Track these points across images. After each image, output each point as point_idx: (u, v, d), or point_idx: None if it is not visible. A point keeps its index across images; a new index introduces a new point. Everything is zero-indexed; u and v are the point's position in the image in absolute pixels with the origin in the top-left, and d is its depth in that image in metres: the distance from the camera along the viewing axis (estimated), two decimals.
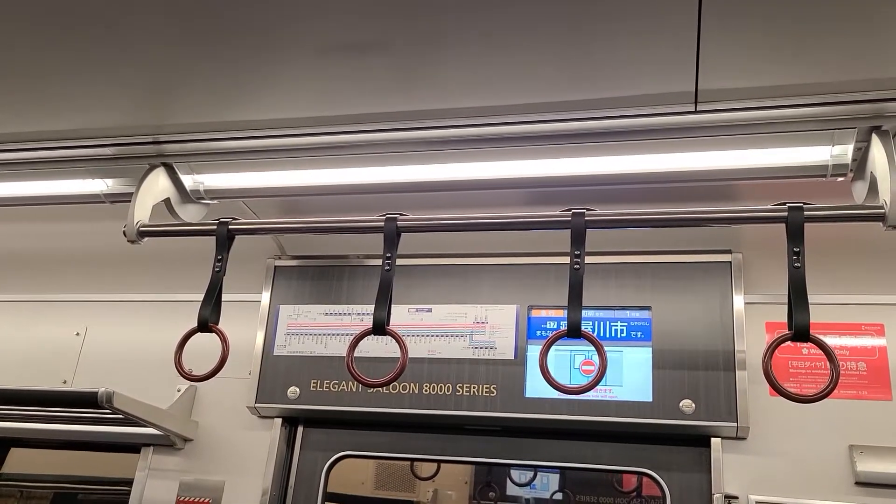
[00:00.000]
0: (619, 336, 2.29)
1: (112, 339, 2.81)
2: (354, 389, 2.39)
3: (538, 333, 2.34)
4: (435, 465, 3.62)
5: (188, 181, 2.12)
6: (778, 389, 1.57)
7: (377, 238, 1.84)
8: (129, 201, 1.99)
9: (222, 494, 2.47)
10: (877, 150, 1.60)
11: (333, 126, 1.82)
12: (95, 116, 1.91)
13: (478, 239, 2.31)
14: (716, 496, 2.10)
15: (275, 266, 2.62)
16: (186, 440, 2.57)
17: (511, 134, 1.76)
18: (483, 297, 2.41)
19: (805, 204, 1.62)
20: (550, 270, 2.36)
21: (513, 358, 2.32)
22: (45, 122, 1.94)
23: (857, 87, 1.54)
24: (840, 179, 1.78)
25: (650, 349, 2.24)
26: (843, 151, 1.72)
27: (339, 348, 2.44)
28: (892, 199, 1.54)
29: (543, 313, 2.36)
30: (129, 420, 2.30)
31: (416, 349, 2.38)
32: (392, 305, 1.82)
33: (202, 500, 2.47)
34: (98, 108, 1.87)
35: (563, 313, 1.68)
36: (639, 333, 2.28)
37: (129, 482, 2.59)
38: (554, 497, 3.82)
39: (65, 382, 2.78)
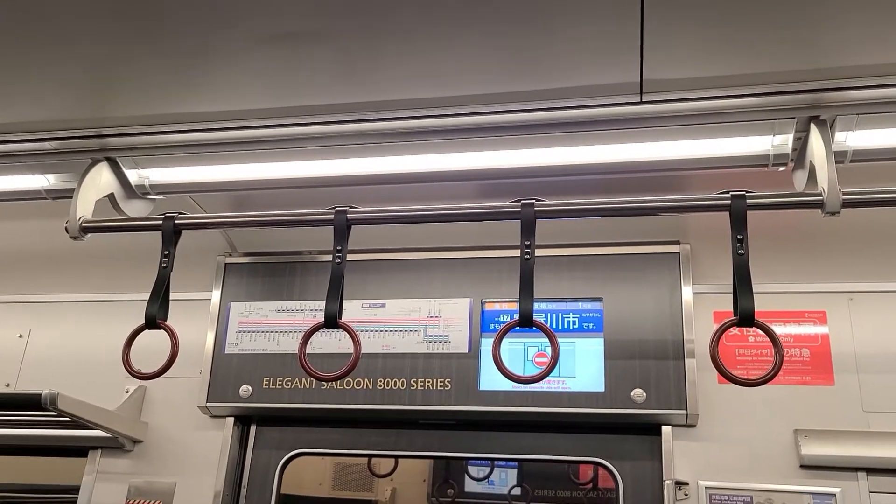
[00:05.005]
0: (571, 327, 2.31)
1: (57, 340, 2.73)
2: (308, 386, 2.36)
3: (491, 326, 2.35)
4: (392, 462, 3.61)
5: (133, 176, 2.07)
6: (724, 374, 1.60)
7: (328, 233, 1.83)
8: (71, 197, 1.94)
9: (173, 497, 2.41)
10: (815, 140, 1.65)
11: (280, 118, 1.80)
12: (35, 110, 1.86)
13: (430, 233, 2.30)
14: (666, 483, 2.13)
15: (225, 263, 2.58)
16: (136, 442, 2.52)
17: (458, 126, 1.76)
18: (436, 292, 2.41)
19: (747, 192, 1.66)
20: (502, 263, 2.37)
21: (467, 351, 2.32)
22: None
23: (795, 77, 1.58)
24: (781, 169, 1.83)
25: (602, 340, 2.26)
26: (784, 141, 1.76)
27: (291, 345, 2.41)
28: (829, 186, 1.58)
29: (496, 306, 2.37)
30: (76, 422, 2.24)
31: (370, 344, 2.37)
32: (345, 301, 1.81)
33: (153, 502, 2.41)
34: (38, 101, 1.83)
35: (515, 306, 1.69)
36: (591, 324, 2.30)
37: (78, 489, 2.52)
38: (512, 492, 3.84)
39: (8, 386, 2.69)
